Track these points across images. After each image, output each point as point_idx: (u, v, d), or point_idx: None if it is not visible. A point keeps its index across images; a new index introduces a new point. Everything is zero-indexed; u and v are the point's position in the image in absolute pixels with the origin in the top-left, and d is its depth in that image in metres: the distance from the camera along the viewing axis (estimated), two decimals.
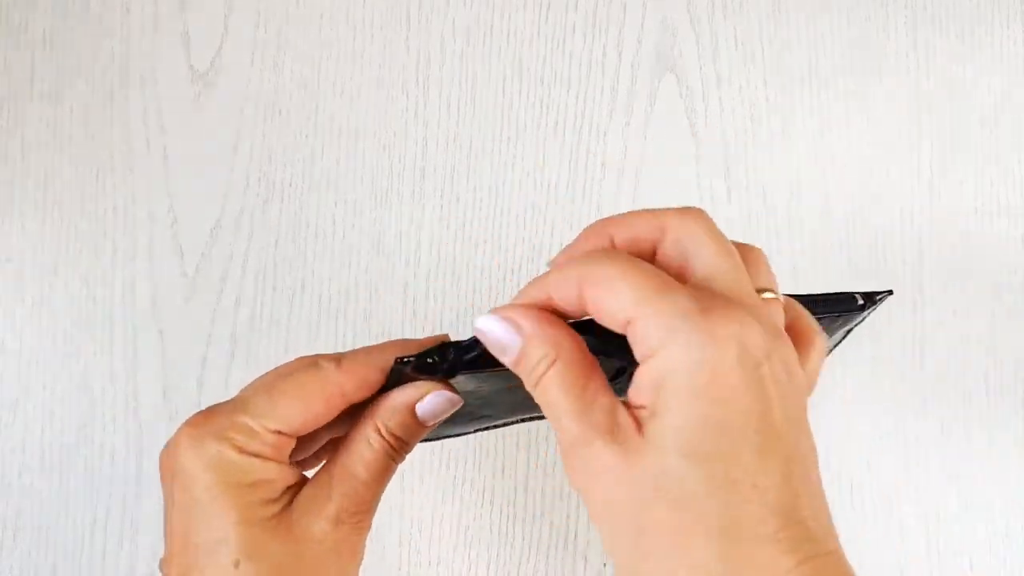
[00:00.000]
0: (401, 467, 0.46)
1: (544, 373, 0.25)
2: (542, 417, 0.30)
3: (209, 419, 0.29)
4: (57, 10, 0.49)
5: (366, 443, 0.30)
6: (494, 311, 0.26)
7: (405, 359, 0.29)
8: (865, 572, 0.47)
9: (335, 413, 0.30)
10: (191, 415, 0.29)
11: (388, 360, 0.30)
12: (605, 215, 0.49)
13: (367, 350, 0.31)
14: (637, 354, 0.24)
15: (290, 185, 0.48)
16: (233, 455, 0.28)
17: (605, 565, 0.46)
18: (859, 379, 0.47)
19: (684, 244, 0.25)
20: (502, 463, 0.47)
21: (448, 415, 0.30)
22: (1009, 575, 0.46)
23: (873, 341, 0.47)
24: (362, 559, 0.31)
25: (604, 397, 0.25)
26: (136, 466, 0.46)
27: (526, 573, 0.46)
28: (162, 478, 0.30)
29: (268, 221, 0.48)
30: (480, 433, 0.47)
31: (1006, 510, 0.46)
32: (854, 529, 0.47)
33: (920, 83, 0.49)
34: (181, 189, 0.48)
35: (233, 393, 0.47)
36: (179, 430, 0.29)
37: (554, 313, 0.26)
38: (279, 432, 0.29)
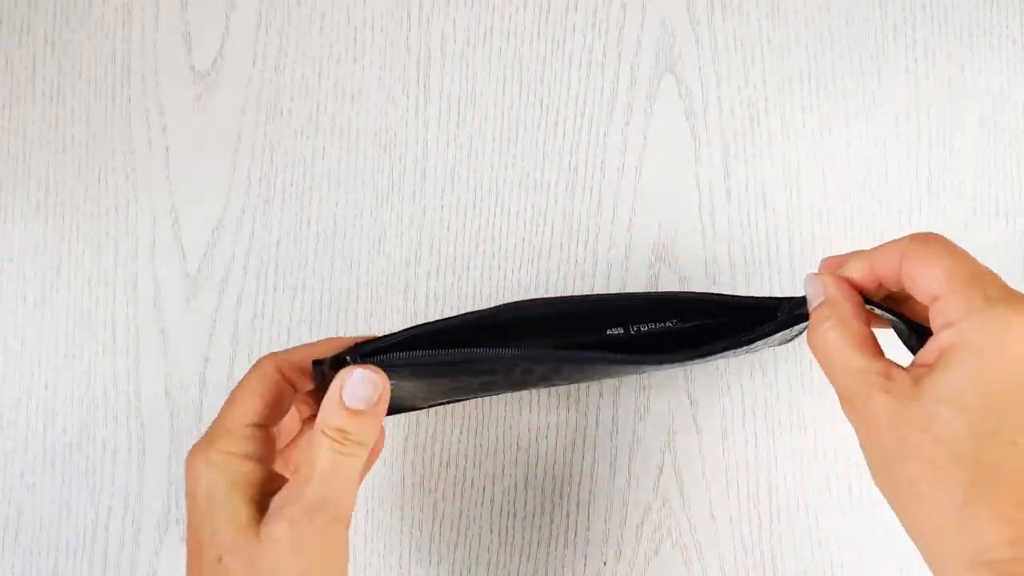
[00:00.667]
0: (402, 467, 0.47)
1: (825, 332, 0.31)
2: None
3: (202, 439, 0.34)
4: (59, 11, 0.49)
5: (313, 445, 0.32)
6: (815, 276, 0.34)
7: (319, 360, 0.33)
8: (866, 571, 0.48)
9: (288, 399, 0.35)
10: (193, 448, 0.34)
11: (322, 347, 0.35)
12: (605, 215, 0.50)
13: (305, 345, 0.36)
14: (935, 325, 0.29)
15: (291, 185, 0.48)
16: (219, 457, 0.33)
17: (605, 564, 0.46)
18: None
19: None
20: (502, 463, 0.47)
21: (376, 395, 0.32)
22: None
23: None
24: (338, 559, 0.32)
25: (880, 360, 0.30)
26: (138, 466, 0.47)
27: (526, 572, 0.46)
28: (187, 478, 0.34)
29: (269, 221, 0.48)
30: (480, 433, 0.47)
31: None
32: (854, 528, 0.47)
33: (919, 83, 0.49)
34: (183, 189, 0.48)
35: None
36: (190, 460, 0.33)
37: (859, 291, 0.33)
38: (252, 425, 0.34)
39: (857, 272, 0.33)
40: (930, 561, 0.29)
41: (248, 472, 0.33)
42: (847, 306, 0.32)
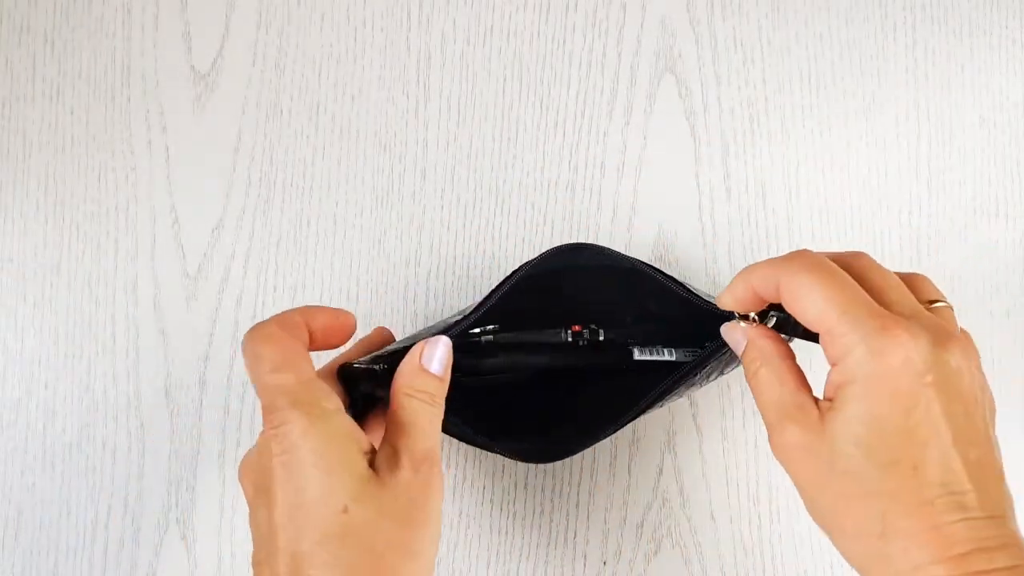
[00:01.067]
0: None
1: (755, 372, 0.33)
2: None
3: (294, 397, 0.32)
4: (59, 10, 0.49)
5: (404, 409, 0.35)
6: (727, 325, 0.35)
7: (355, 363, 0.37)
8: None
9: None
10: (288, 406, 0.32)
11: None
12: (605, 215, 0.50)
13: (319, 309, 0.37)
14: (828, 357, 0.31)
15: (291, 185, 0.48)
16: (322, 411, 0.32)
17: (605, 563, 0.46)
18: None
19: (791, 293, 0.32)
20: (502, 463, 0.47)
21: (449, 358, 0.36)
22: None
23: None
24: (443, 497, 0.35)
25: (799, 393, 0.32)
26: (138, 465, 0.47)
27: (526, 572, 0.46)
28: (249, 481, 0.34)
29: (269, 221, 0.48)
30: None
31: None
32: None
33: (919, 83, 0.49)
34: (183, 189, 0.48)
35: (234, 393, 0.47)
36: (277, 423, 0.32)
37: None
38: (328, 372, 0.37)
39: (740, 294, 0.34)
40: None
41: (351, 425, 0.33)
42: (768, 344, 0.34)
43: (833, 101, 0.49)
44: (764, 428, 0.47)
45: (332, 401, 0.33)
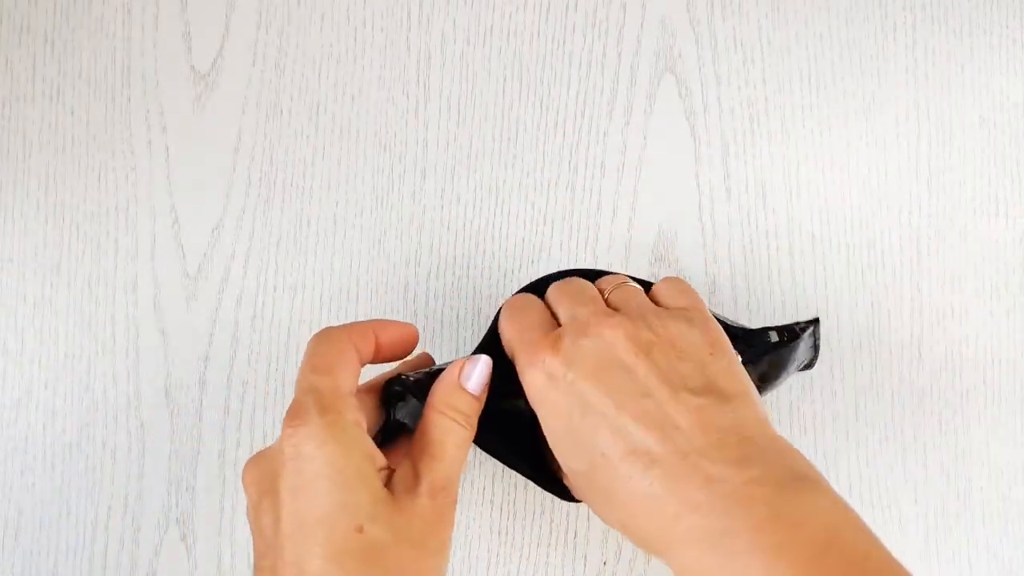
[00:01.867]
0: None
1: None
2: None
3: (309, 411, 0.32)
4: (59, 10, 0.49)
5: (435, 427, 0.34)
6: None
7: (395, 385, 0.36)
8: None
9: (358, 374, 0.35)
10: (303, 417, 0.32)
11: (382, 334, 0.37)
12: (605, 214, 0.50)
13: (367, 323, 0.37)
14: None
15: (291, 185, 0.48)
16: (349, 427, 0.32)
17: (605, 563, 0.46)
18: (858, 378, 0.47)
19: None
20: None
21: (487, 379, 0.36)
22: (1009, 575, 0.46)
23: (872, 340, 0.47)
24: (453, 528, 0.34)
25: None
26: (138, 465, 0.47)
27: (526, 572, 0.46)
28: (253, 481, 0.33)
29: (269, 221, 0.48)
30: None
31: (1005, 510, 0.46)
32: None
33: (919, 83, 0.49)
34: (183, 189, 0.48)
35: (234, 393, 0.47)
36: (292, 430, 0.32)
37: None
38: (353, 392, 0.34)
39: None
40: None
41: (370, 444, 0.32)
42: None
43: (833, 101, 0.49)
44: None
45: (356, 416, 0.32)
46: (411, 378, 0.36)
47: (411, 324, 0.38)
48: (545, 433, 0.35)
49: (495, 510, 0.47)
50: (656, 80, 0.49)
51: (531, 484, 0.47)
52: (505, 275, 0.48)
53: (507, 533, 0.46)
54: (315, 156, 0.48)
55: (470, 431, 0.35)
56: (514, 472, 0.47)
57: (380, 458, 0.33)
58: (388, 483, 0.32)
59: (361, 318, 0.47)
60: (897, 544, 0.47)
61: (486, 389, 0.36)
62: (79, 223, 0.48)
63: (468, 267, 0.48)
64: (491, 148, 0.49)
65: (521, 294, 0.40)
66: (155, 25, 0.49)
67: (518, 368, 0.36)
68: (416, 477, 0.33)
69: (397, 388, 0.36)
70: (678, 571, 0.32)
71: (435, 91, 0.49)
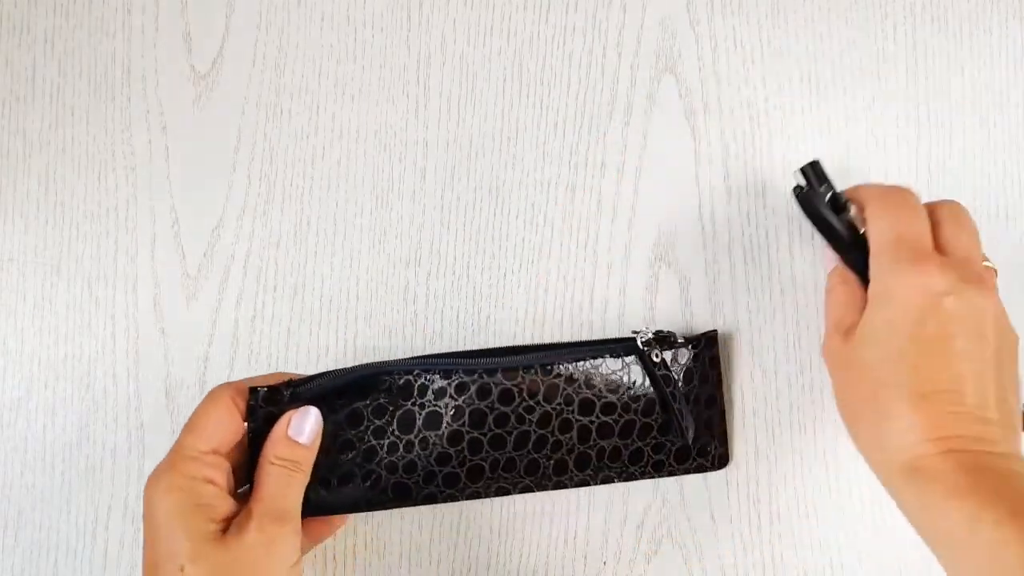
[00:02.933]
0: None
1: (833, 287, 0.42)
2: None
3: (163, 462, 0.38)
4: (59, 10, 0.49)
5: (267, 475, 0.39)
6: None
7: (256, 388, 0.40)
8: (864, 571, 0.48)
9: (239, 426, 0.40)
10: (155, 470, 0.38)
11: (269, 380, 0.41)
12: (605, 215, 0.49)
13: (256, 377, 0.42)
14: (870, 274, 0.39)
15: (291, 185, 0.48)
16: (182, 481, 0.37)
17: (605, 563, 0.46)
18: None
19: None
20: None
21: (318, 427, 0.40)
22: None
23: None
24: (296, 560, 0.38)
25: (854, 315, 0.39)
26: (138, 465, 0.47)
27: (526, 572, 0.46)
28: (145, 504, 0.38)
29: (269, 221, 0.48)
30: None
31: None
32: (852, 527, 0.47)
33: (919, 83, 0.49)
34: (183, 189, 0.48)
35: None
36: (149, 483, 0.37)
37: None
38: (213, 451, 0.38)
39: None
40: (876, 472, 0.38)
41: (209, 496, 0.37)
42: (850, 273, 0.41)
43: (833, 101, 0.49)
44: (764, 427, 0.47)
45: (206, 472, 0.37)
46: (261, 393, 0.40)
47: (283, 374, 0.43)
48: (887, 328, 0.37)
49: (495, 510, 0.47)
50: (656, 80, 0.49)
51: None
52: (505, 275, 0.48)
53: (507, 533, 0.46)
54: (315, 156, 0.48)
55: (302, 475, 0.39)
56: None
57: (222, 509, 0.37)
58: (226, 529, 0.37)
59: (361, 318, 0.47)
60: (899, 543, 0.47)
61: (318, 438, 0.40)
62: (79, 223, 0.48)
63: (468, 267, 0.48)
64: (491, 148, 0.49)
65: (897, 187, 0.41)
66: (155, 25, 0.49)
67: (887, 261, 0.38)
68: (248, 516, 0.37)
69: (251, 402, 0.40)
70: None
71: (435, 91, 0.49)
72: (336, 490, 0.41)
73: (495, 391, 0.42)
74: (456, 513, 0.46)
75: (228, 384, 0.41)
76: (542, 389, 0.43)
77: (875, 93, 0.49)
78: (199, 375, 0.47)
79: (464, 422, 0.42)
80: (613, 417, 0.43)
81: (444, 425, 0.42)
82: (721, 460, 0.45)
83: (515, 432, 0.42)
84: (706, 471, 0.45)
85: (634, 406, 0.43)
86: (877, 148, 0.49)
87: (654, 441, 0.43)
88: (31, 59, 0.49)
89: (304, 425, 0.40)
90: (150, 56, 0.49)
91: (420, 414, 0.42)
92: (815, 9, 0.49)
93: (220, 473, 0.38)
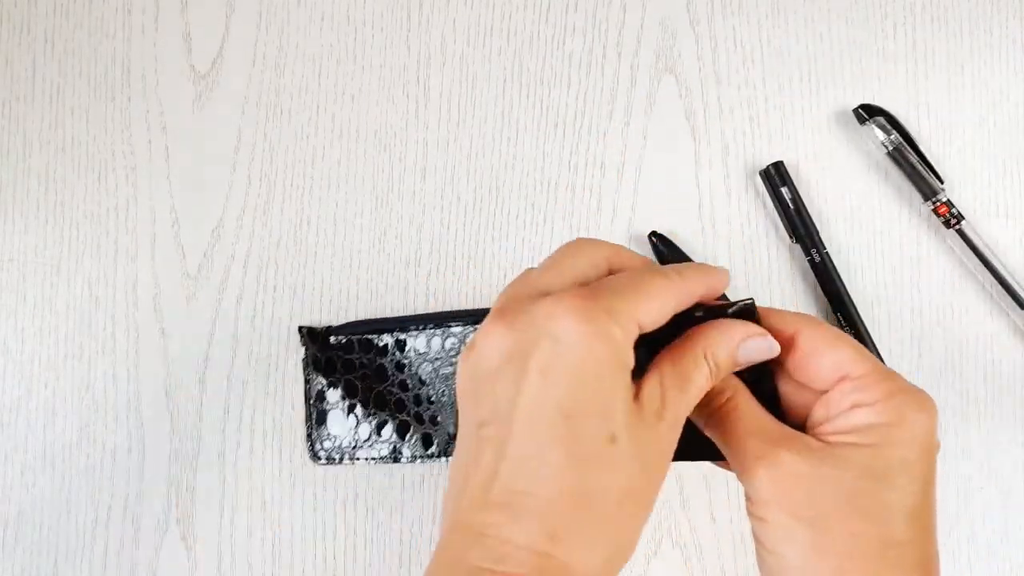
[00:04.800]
0: (401, 467, 0.47)
1: (721, 406, 0.32)
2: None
3: (595, 299, 0.28)
4: (58, 10, 0.49)
5: (694, 363, 0.31)
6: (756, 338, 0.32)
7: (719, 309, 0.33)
8: None
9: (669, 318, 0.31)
10: (569, 297, 0.29)
11: (713, 281, 0.32)
12: (605, 215, 0.49)
13: (695, 267, 0.33)
14: (845, 401, 0.31)
15: (291, 185, 0.48)
16: (620, 335, 0.28)
17: None
18: None
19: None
20: None
21: (760, 359, 0.32)
22: (1009, 575, 0.46)
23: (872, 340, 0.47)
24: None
25: (783, 422, 0.32)
26: (138, 465, 0.47)
27: None
28: (499, 345, 0.29)
29: (269, 221, 0.48)
30: None
31: (1005, 509, 0.46)
32: None
33: (919, 83, 0.49)
34: (183, 189, 0.48)
35: (234, 394, 0.47)
36: (554, 303, 0.28)
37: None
38: (640, 328, 0.29)
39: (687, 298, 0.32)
40: None
41: (631, 354, 0.29)
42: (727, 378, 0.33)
43: (833, 101, 0.49)
44: None
45: (630, 328, 0.29)
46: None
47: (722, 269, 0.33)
48: (900, 444, 0.31)
49: None
50: (656, 80, 0.49)
51: None
52: (505, 275, 0.48)
53: None
54: (315, 156, 0.48)
55: (709, 385, 0.31)
56: None
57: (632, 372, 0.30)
58: (637, 398, 0.29)
59: (361, 318, 0.47)
60: None
61: (746, 366, 0.32)
62: (79, 223, 0.48)
63: (468, 267, 0.48)
64: (491, 148, 0.49)
65: None
66: (155, 25, 0.49)
67: (894, 379, 0.31)
68: (663, 402, 0.29)
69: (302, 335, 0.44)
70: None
71: (435, 91, 0.49)
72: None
73: None
74: None
75: (677, 278, 0.31)
76: None
77: (875, 93, 0.49)
78: (199, 375, 0.47)
79: None
80: None
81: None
82: None
83: None
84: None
85: None
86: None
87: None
88: (31, 59, 0.49)
89: (755, 348, 0.32)
90: (150, 56, 0.49)
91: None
92: (815, 9, 0.49)
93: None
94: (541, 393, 0.28)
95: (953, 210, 0.47)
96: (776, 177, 0.47)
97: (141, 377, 0.47)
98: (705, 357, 0.31)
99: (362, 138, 0.49)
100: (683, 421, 0.31)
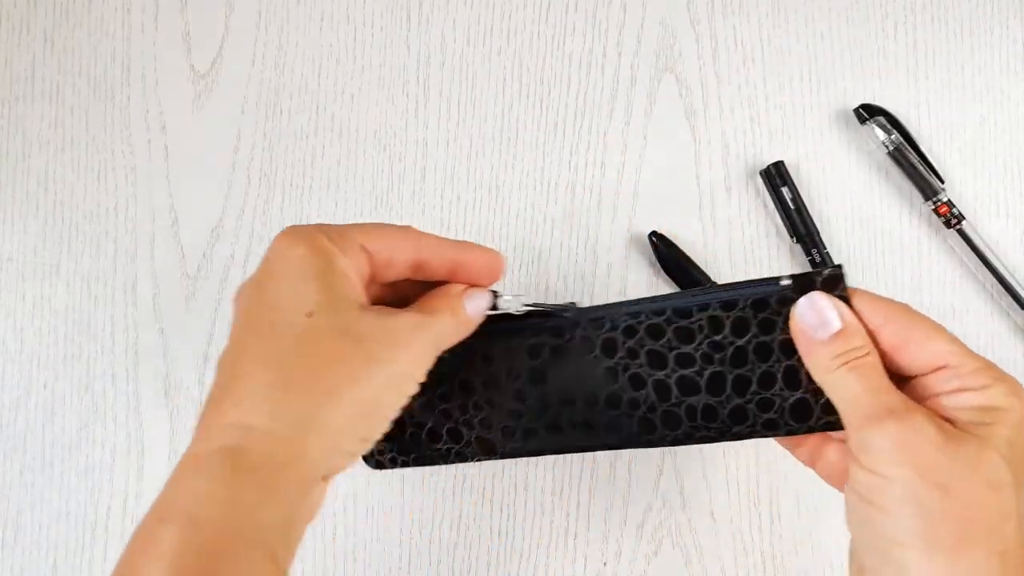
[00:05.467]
0: (401, 468, 0.46)
1: (861, 357, 0.31)
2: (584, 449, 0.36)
3: (313, 227, 0.32)
4: (58, 10, 0.49)
5: (444, 296, 0.34)
6: (822, 299, 0.32)
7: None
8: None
9: (407, 264, 0.34)
10: (290, 228, 0.32)
11: (468, 256, 0.34)
12: (605, 215, 0.49)
13: (453, 241, 0.35)
14: (949, 384, 0.31)
15: (291, 185, 0.48)
16: (326, 242, 0.31)
17: (605, 564, 0.46)
18: None
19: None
20: (502, 463, 0.47)
21: (484, 311, 0.34)
22: None
23: None
24: (424, 357, 0.33)
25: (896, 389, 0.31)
26: (137, 465, 0.47)
27: (526, 572, 0.46)
28: (238, 296, 0.33)
29: (269, 221, 0.48)
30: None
31: None
32: None
33: (919, 83, 0.49)
34: (182, 189, 0.48)
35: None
36: (280, 234, 0.32)
37: None
38: (364, 248, 0.32)
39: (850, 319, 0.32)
40: None
41: (351, 280, 0.32)
42: (864, 333, 0.32)
43: (833, 101, 0.49)
44: None
45: (357, 261, 0.32)
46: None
47: (495, 253, 0.36)
48: (1008, 424, 0.31)
49: (495, 510, 0.46)
50: (656, 80, 0.49)
51: (531, 485, 0.46)
52: (505, 275, 0.48)
53: (507, 534, 0.46)
54: (315, 156, 0.48)
55: (460, 329, 0.34)
56: (514, 473, 0.47)
57: (359, 287, 0.32)
58: (376, 301, 0.33)
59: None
60: None
61: (480, 319, 0.34)
62: (79, 223, 0.48)
63: None
64: (491, 148, 0.49)
65: None
66: (155, 25, 0.49)
67: (991, 367, 0.33)
68: (415, 303, 0.33)
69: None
70: None
71: (435, 91, 0.49)
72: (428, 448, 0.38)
73: (546, 351, 0.37)
74: (456, 513, 0.46)
75: (415, 228, 0.34)
76: (598, 345, 0.36)
77: (875, 93, 0.49)
78: (198, 375, 0.47)
79: (522, 380, 0.37)
80: (694, 370, 0.35)
81: (509, 383, 0.37)
82: None
83: (580, 392, 0.36)
84: (836, 429, 0.34)
85: (717, 356, 0.35)
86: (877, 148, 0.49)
87: (758, 396, 0.34)
88: (31, 59, 0.49)
89: (474, 300, 0.34)
90: (150, 56, 0.49)
91: (478, 380, 0.38)
92: (815, 8, 0.49)
93: (362, 273, 0.33)
94: (254, 301, 0.32)
95: (954, 210, 0.47)
96: (776, 177, 0.47)
97: (140, 377, 0.47)
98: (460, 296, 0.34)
99: (362, 138, 0.49)
100: (442, 331, 0.33)
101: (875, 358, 0.32)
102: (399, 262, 0.34)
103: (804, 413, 0.34)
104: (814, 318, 0.32)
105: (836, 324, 0.31)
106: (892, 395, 0.31)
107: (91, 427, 0.47)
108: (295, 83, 0.49)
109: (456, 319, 0.34)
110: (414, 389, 0.32)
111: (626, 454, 0.46)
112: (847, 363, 0.31)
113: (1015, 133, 0.49)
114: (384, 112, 0.49)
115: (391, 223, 0.34)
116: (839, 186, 0.48)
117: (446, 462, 0.38)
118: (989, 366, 0.32)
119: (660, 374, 0.35)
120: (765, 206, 0.48)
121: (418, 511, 0.46)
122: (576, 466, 0.47)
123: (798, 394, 0.34)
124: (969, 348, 0.32)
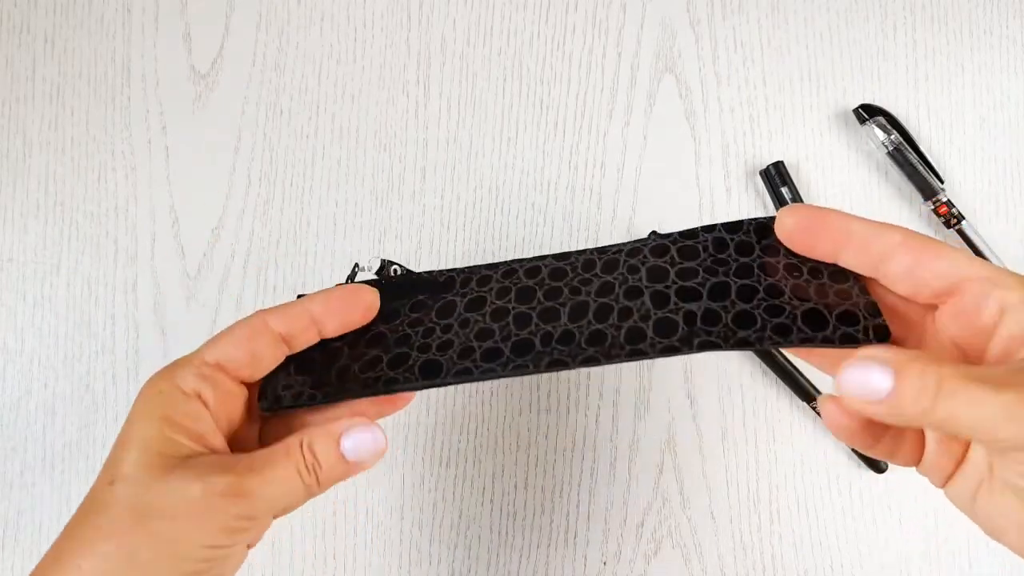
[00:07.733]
0: (401, 467, 0.47)
1: (939, 391, 0.24)
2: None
3: (166, 367, 0.32)
4: (58, 10, 0.49)
5: (284, 450, 0.30)
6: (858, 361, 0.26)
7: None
8: (864, 571, 0.48)
9: (269, 352, 0.31)
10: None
11: (313, 306, 0.32)
12: (605, 215, 0.50)
13: (323, 293, 0.33)
14: (982, 310, 0.27)
15: (291, 185, 0.48)
16: (165, 386, 0.31)
17: (605, 563, 0.46)
18: None
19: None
20: (502, 463, 0.47)
21: (371, 455, 0.31)
22: (1008, 575, 0.46)
23: None
24: (230, 566, 0.30)
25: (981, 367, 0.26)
26: None
27: (526, 572, 0.46)
28: None
29: (269, 221, 0.48)
30: (480, 433, 0.47)
31: None
32: (853, 528, 0.47)
33: (919, 83, 0.49)
34: (183, 189, 0.48)
35: None
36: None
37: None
38: (218, 365, 0.31)
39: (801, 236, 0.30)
40: None
41: (190, 413, 0.30)
42: (923, 355, 0.26)
43: (833, 101, 0.49)
44: (764, 427, 0.47)
45: (196, 385, 0.31)
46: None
47: (357, 287, 0.34)
48: None
49: (495, 510, 0.46)
50: (656, 80, 0.49)
51: (531, 484, 0.47)
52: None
53: (507, 533, 0.46)
54: (315, 156, 0.48)
55: (309, 486, 0.30)
56: (514, 473, 0.47)
57: (199, 431, 0.30)
58: (194, 457, 0.29)
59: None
60: (897, 543, 0.47)
61: (363, 467, 0.31)
62: (79, 223, 0.48)
63: None
64: (491, 148, 0.49)
65: None
66: (155, 25, 0.49)
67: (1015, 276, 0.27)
68: (224, 470, 0.29)
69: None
70: None
71: (435, 91, 0.49)
72: (355, 377, 0.33)
73: (545, 270, 0.35)
74: (456, 513, 0.46)
75: (259, 313, 0.32)
76: (599, 264, 0.35)
77: (875, 93, 0.49)
78: None
79: (510, 299, 0.35)
80: (696, 281, 0.33)
81: (487, 305, 0.35)
82: (878, 332, 0.31)
83: (569, 303, 0.34)
84: (857, 343, 0.30)
85: (721, 269, 0.33)
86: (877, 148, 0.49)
87: (765, 303, 0.31)
88: (31, 59, 0.49)
89: (361, 444, 0.30)
90: (150, 56, 0.49)
91: (461, 301, 0.35)
92: (815, 8, 0.49)
93: (216, 392, 0.31)
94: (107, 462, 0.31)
95: (953, 210, 0.47)
96: (776, 177, 0.47)
97: (141, 377, 0.47)
98: (303, 454, 0.30)
99: (362, 138, 0.49)
100: (272, 512, 0.30)
101: (938, 365, 0.25)
102: (266, 356, 0.31)
103: (819, 321, 0.31)
104: (860, 390, 0.26)
105: (886, 385, 0.25)
106: (984, 381, 0.25)
107: (91, 427, 0.47)
108: (295, 83, 0.49)
109: (300, 480, 0.30)
110: (227, 556, 0.29)
111: (626, 454, 0.47)
112: (932, 396, 0.25)
113: (1015, 134, 0.49)
114: (384, 112, 0.49)
115: (239, 321, 0.32)
116: (839, 186, 0.48)
117: (367, 394, 0.33)
118: (1013, 279, 0.27)
119: (659, 286, 0.33)
120: (765, 206, 0.48)
121: (418, 511, 0.46)
122: (576, 466, 0.47)
123: (810, 304, 0.31)
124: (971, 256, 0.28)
